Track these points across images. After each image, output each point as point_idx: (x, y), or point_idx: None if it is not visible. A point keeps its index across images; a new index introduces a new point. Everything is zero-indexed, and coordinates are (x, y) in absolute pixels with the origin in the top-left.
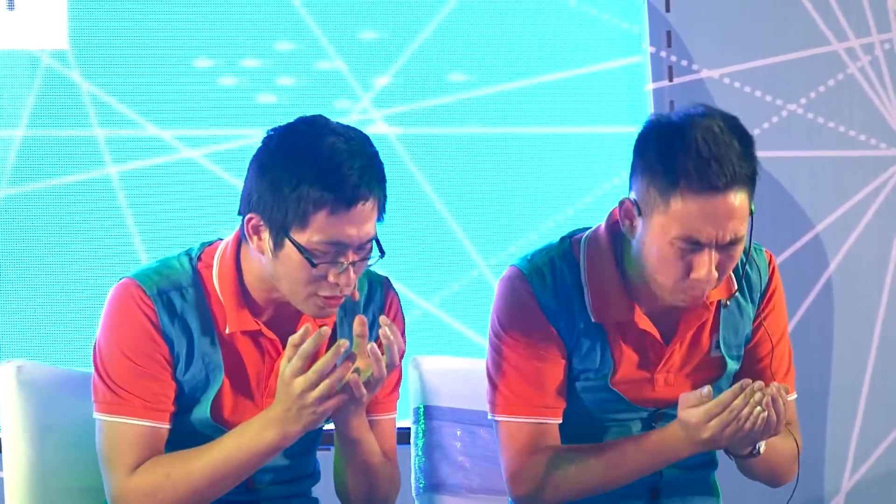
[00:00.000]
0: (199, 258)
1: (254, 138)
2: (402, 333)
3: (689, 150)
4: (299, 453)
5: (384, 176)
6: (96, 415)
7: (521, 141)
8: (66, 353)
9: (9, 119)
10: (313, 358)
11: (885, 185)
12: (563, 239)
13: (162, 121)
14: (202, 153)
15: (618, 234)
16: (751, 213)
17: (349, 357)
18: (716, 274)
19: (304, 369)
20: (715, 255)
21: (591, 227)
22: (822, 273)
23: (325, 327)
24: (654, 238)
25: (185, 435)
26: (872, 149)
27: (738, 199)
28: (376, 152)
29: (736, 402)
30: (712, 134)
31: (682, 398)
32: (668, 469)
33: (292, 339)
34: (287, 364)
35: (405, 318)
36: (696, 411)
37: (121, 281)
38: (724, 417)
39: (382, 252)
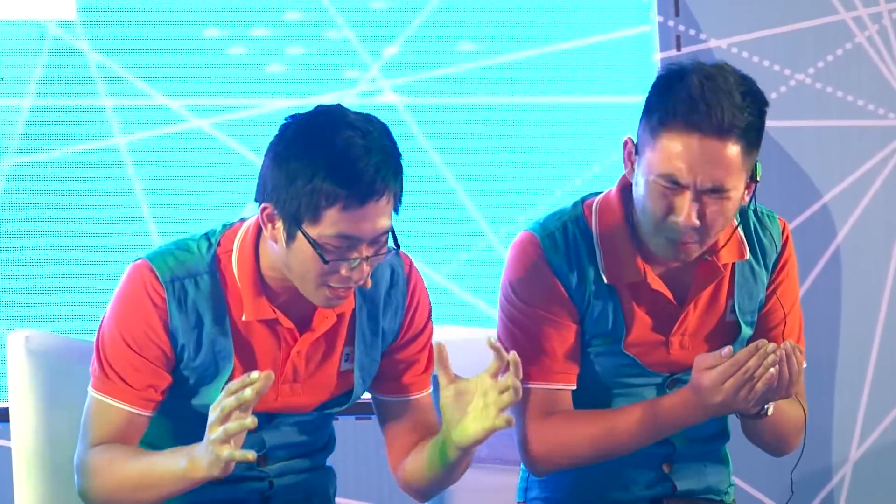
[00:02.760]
0: (219, 243)
1: (262, 108)
2: (429, 315)
3: (683, 89)
4: (312, 429)
5: (401, 168)
6: (89, 386)
7: (530, 110)
8: (75, 322)
9: (17, 88)
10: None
11: (893, 154)
12: (575, 204)
13: (170, 90)
14: (210, 122)
15: (629, 196)
16: (756, 180)
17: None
18: (697, 223)
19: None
20: (697, 204)
21: (602, 192)
22: (830, 243)
23: (266, 372)
24: (642, 176)
25: (194, 422)
26: (881, 118)
27: (724, 147)
28: (394, 144)
29: (750, 362)
30: (713, 80)
31: (697, 360)
32: (680, 441)
33: (229, 387)
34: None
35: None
36: (711, 374)
37: (137, 261)
38: (738, 378)
39: (397, 245)
